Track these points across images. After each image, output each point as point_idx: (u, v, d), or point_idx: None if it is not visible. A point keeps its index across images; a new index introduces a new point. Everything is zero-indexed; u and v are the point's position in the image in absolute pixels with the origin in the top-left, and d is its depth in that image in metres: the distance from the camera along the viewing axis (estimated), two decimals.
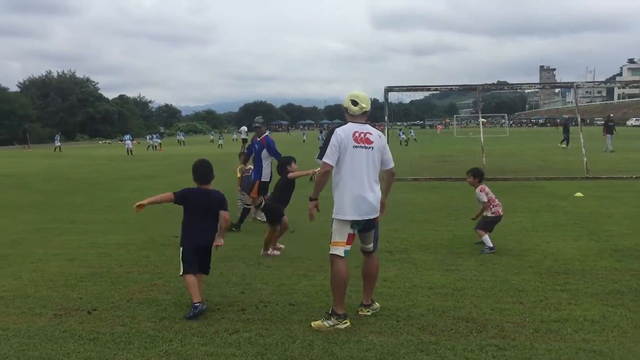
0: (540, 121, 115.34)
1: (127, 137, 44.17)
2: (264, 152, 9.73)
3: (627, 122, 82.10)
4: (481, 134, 19.74)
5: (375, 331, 4.78)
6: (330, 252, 5.09)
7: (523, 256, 7.31)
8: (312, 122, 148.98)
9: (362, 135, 5.01)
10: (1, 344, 4.63)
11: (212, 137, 68.38)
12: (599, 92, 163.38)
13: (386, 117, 19.34)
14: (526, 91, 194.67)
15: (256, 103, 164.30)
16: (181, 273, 5.42)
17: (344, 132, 5.00)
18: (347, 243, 5.04)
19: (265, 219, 10.47)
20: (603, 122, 34.68)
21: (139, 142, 58.69)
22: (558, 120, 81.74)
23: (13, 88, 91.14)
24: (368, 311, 5.26)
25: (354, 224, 5.02)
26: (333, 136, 5.04)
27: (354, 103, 5.11)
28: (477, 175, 7.96)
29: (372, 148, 5.02)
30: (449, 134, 68.06)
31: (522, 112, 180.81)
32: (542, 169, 20.42)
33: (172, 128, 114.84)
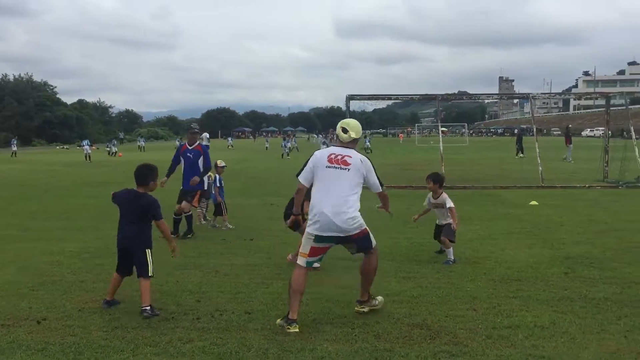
0: (499, 131, 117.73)
1: (85, 142, 43.32)
2: (200, 160, 9.69)
3: (582, 133, 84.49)
4: (440, 143, 20.05)
5: (331, 339, 4.78)
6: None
7: (478, 263, 7.44)
8: (275, 129, 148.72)
9: (339, 157, 5.27)
10: None
11: (177, 144, 66.95)
12: (556, 103, 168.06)
13: None
14: (485, 101, 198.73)
15: (219, 109, 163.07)
16: None
17: (320, 153, 5.38)
18: (310, 255, 5.23)
19: (225, 226, 10.46)
20: (564, 132, 35.70)
21: (97, 148, 57.55)
22: (516, 130, 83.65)
23: None
24: (363, 307, 5.43)
25: (317, 238, 5.17)
26: (310, 157, 5.43)
27: (344, 131, 5.40)
28: (437, 181, 8.00)
29: (348, 170, 5.21)
30: (411, 142, 68.86)
31: (482, 121, 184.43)
32: (499, 177, 20.84)
33: (133, 134, 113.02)
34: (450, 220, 7.71)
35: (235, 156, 40.82)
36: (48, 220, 11.78)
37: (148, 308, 5.39)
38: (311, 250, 5.22)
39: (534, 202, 13.44)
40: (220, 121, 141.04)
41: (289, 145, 44.26)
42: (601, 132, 30.53)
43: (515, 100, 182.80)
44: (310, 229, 5.21)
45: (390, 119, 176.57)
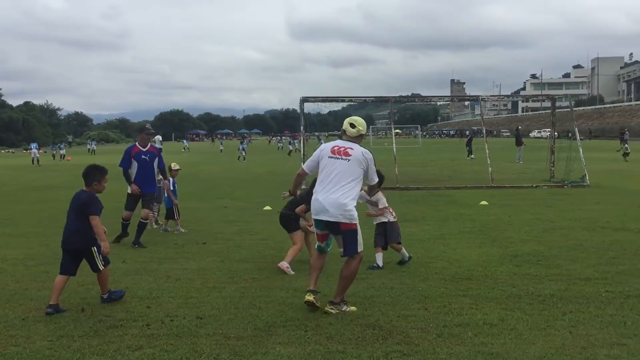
0: (452, 132, 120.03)
1: (33, 145, 41.98)
2: (155, 162, 9.33)
3: (529, 134, 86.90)
4: (394, 144, 20.27)
5: (283, 342, 4.76)
6: None
7: (430, 263, 7.54)
8: (230, 132, 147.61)
9: (342, 149, 5.69)
10: None
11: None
12: (505, 105, 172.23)
13: (302, 127, 19.49)
14: (438, 103, 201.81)
15: (172, 112, 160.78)
16: None
17: (326, 146, 5.85)
18: (317, 239, 5.84)
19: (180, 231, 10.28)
20: (515, 133, 36.62)
21: (45, 152, 55.83)
22: (467, 131, 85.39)
23: None
24: (332, 308, 5.50)
25: (317, 223, 5.69)
26: (317, 149, 5.95)
27: (352, 126, 5.81)
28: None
29: (349, 160, 5.61)
30: (366, 144, 69.27)
31: (435, 123, 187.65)
32: (451, 178, 21.24)
33: (83, 137, 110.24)
34: (385, 219, 7.60)
35: (189, 159, 40.32)
36: None
37: (105, 296, 5.88)
38: (317, 235, 5.82)
39: (484, 202, 13.73)
40: (174, 123, 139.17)
41: (245, 147, 43.96)
42: (548, 133, 31.52)
43: (467, 103, 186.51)
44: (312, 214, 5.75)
45: None
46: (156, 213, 10.84)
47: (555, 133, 21.05)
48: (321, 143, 46.40)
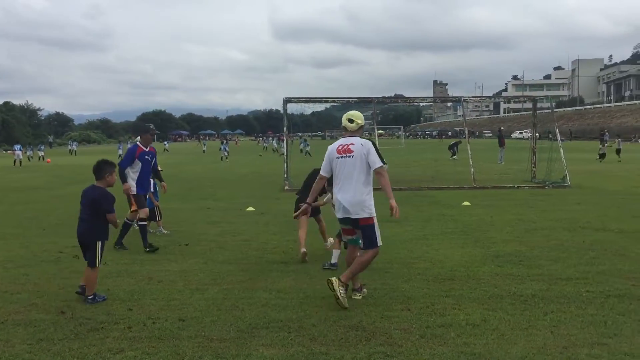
0: (434, 133, 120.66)
1: (17, 147, 41.39)
2: (153, 163, 9.24)
3: (511, 135, 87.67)
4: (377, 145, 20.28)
5: (266, 344, 4.74)
6: None
7: (413, 264, 7.56)
8: (213, 132, 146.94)
9: (345, 146, 5.97)
10: None
11: (119, 148, 58.31)
12: (487, 106, 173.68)
13: (285, 128, 19.47)
14: (421, 104, 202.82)
15: (155, 112, 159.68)
16: None
17: (332, 147, 6.10)
18: (344, 234, 6.23)
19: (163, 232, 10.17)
20: (497, 134, 36.94)
21: (26, 152, 55.09)
22: (449, 132, 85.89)
23: None
24: (357, 295, 6.06)
25: (339, 220, 6.09)
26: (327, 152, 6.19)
27: (350, 121, 6.09)
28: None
29: (353, 156, 5.90)
30: None
31: (418, 124, 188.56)
32: (433, 179, 21.34)
33: (64, 137, 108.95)
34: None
35: (171, 160, 40.04)
36: None
37: (90, 297, 5.89)
38: (343, 230, 6.23)
39: (466, 203, 13.82)
40: (156, 124, 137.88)
41: (227, 148, 43.76)
42: (529, 134, 31.85)
43: (449, 104, 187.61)
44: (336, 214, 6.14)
45: (329, 122, 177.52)
46: (158, 216, 10.51)
47: (537, 134, 21.23)
48: (303, 144, 46.32)
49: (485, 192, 16.60)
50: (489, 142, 56.47)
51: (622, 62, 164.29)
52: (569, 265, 7.36)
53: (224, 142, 48.04)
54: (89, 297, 5.90)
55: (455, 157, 34.66)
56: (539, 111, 22.96)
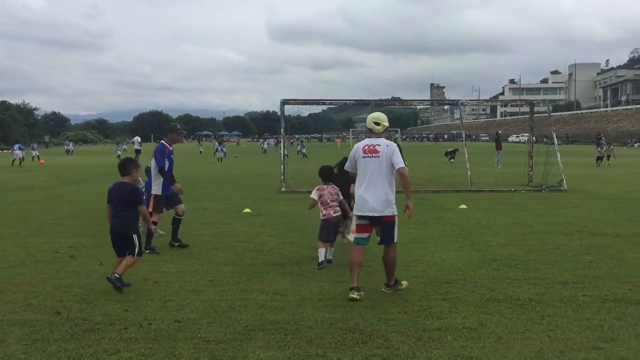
0: (431, 136, 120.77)
1: (16, 146, 41.20)
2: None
3: (508, 139, 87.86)
4: None
5: (263, 346, 4.72)
6: None
7: (410, 267, 7.55)
8: (210, 133, 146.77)
9: (371, 147, 6.18)
10: None
11: (116, 147, 58.50)
12: (484, 109, 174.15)
13: (282, 130, 19.45)
14: (418, 107, 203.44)
15: (152, 113, 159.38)
16: None
17: (358, 146, 6.31)
18: (357, 231, 6.24)
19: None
20: (494, 138, 37.04)
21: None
22: (445, 135, 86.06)
23: None
24: (389, 289, 6.30)
25: (358, 217, 6.21)
26: (352, 150, 6.39)
27: (377, 124, 6.33)
28: (320, 175, 7.94)
29: (379, 157, 6.11)
30: (347, 147, 69.48)
31: (414, 127, 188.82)
32: (430, 182, 21.34)
33: (60, 137, 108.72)
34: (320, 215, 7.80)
35: None
36: None
37: (118, 276, 6.20)
38: (358, 227, 6.23)
39: (463, 206, 13.82)
40: (153, 125, 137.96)
41: (224, 149, 43.70)
42: (526, 137, 31.90)
43: (446, 107, 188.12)
44: (354, 210, 6.32)
45: (326, 124, 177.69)
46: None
47: (534, 138, 21.26)
48: (300, 145, 46.23)
49: (482, 196, 16.61)
50: (486, 146, 56.58)
51: (619, 67, 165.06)
52: (565, 269, 7.36)
53: (221, 142, 47.94)
54: (116, 274, 6.19)
55: (452, 160, 34.68)
56: (536, 115, 23.00)
